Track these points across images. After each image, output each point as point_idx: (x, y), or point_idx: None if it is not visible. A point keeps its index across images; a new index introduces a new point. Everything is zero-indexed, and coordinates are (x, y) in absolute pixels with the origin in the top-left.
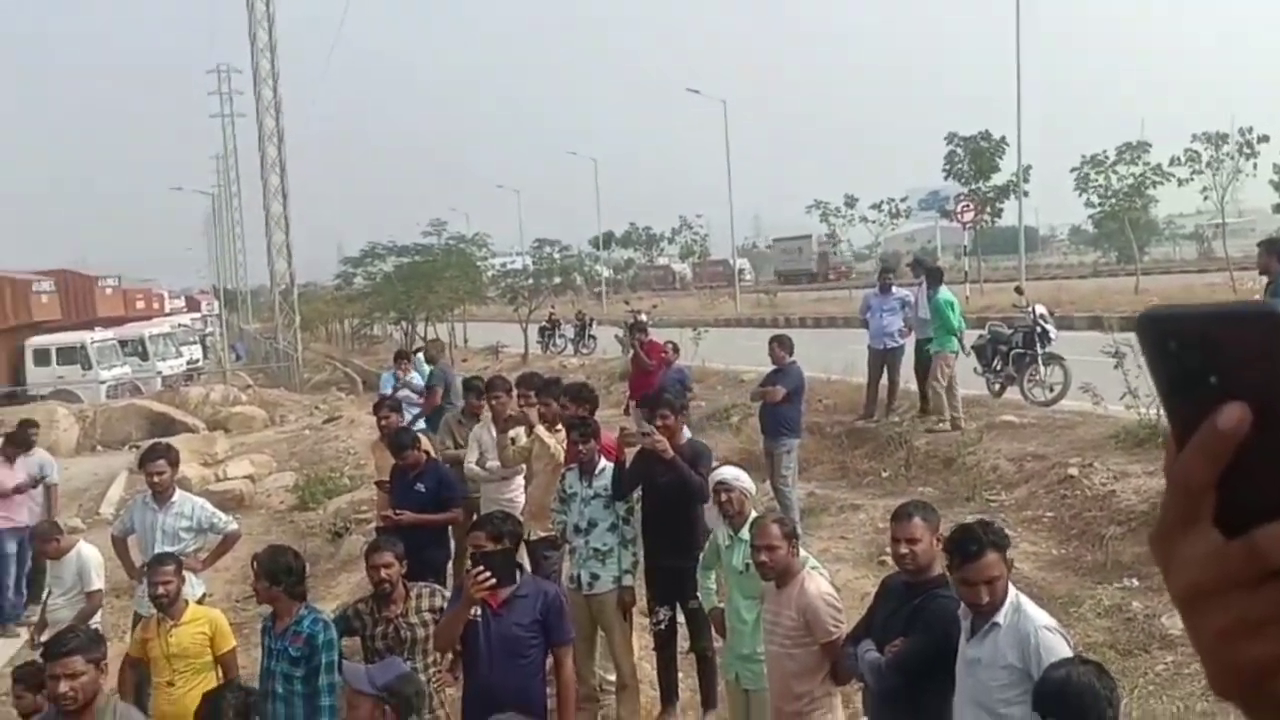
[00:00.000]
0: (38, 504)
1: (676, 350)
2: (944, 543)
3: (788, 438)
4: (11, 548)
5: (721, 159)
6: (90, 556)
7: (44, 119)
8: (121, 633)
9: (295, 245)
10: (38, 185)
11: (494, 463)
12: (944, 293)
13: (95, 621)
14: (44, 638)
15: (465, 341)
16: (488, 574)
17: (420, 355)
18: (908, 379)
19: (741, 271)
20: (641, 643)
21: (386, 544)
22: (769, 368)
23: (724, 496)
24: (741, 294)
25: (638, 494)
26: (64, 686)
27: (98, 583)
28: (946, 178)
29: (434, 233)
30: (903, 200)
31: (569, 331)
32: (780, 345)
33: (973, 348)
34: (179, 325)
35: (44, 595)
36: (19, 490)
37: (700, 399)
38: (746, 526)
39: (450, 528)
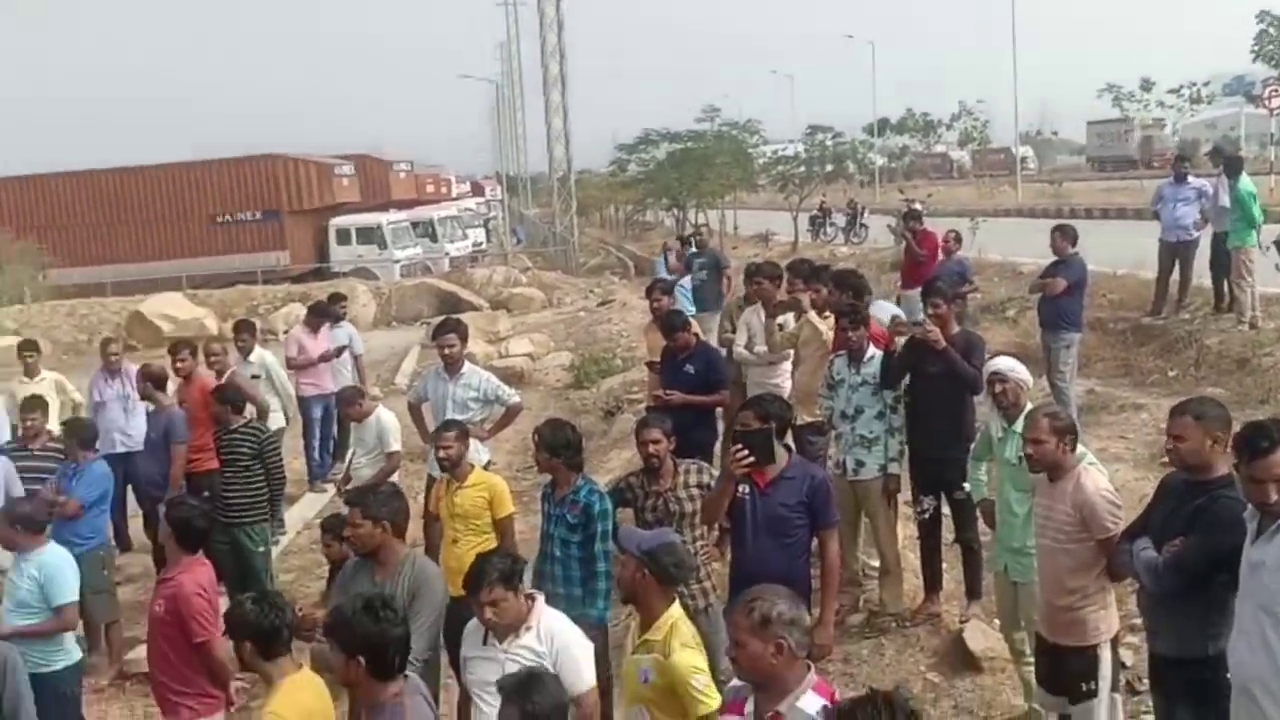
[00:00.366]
0: (348, 370)
1: (959, 239)
2: (1234, 439)
3: (1067, 332)
4: (317, 413)
5: (1006, 42)
6: (388, 421)
7: (349, 12)
8: (415, 494)
9: (572, 132)
10: (337, 71)
11: (761, 347)
12: (1244, 183)
13: (394, 480)
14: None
15: (735, 229)
16: (746, 452)
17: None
18: (1201, 274)
19: (1024, 160)
20: (906, 531)
21: (655, 421)
22: (1050, 259)
23: (999, 387)
24: (1024, 183)
25: (906, 382)
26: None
27: (395, 445)
28: (1254, 60)
29: (707, 119)
30: (1204, 84)
31: (840, 220)
32: (1063, 235)
33: (1274, 243)
34: (465, 209)
35: (348, 455)
36: (324, 359)
37: (977, 290)
38: (1021, 419)
39: (718, 409)
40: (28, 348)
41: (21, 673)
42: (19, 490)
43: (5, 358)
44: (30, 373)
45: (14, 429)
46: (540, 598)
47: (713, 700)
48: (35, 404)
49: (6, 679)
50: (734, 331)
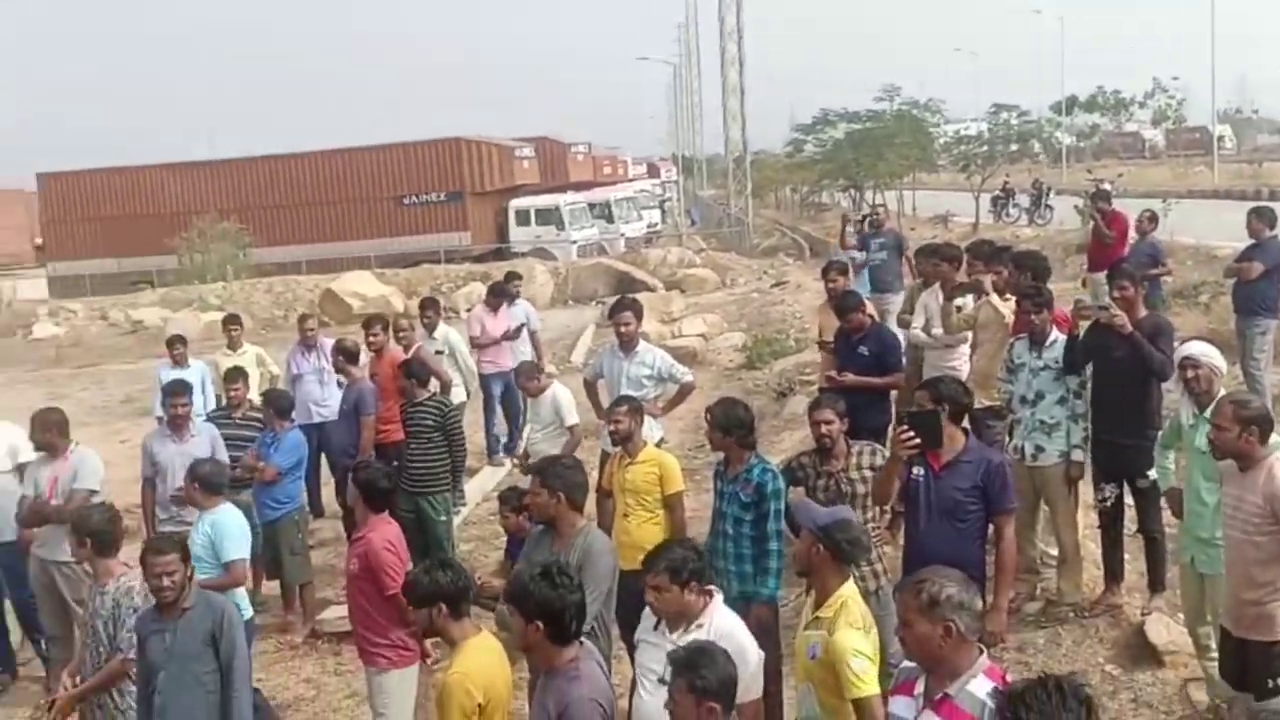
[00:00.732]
0: (526, 348)
1: (1154, 219)
2: None
3: (1263, 318)
4: (497, 390)
5: (1204, 15)
6: (564, 396)
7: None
8: (589, 469)
9: (749, 113)
10: (517, 54)
11: (938, 330)
12: None
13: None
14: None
15: (913, 210)
16: (911, 433)
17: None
18: None
19: (1221, 139)
20: (1086, 520)
21: (828, 401)
22: (1246, 242)
23: (1190, 373)
24: (1221, 163)
25: (1090, 368)
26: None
27: (573, 418)
28: None
29: (886, 98)
30: None
31: (1024, 201)
32: (1259, 218)
33: None
34: (640, 190)
35: (525, 430)
36: (506, 337)
37: (1169, 273)
38: (1213, 406)
39: (893, 392)
40: (232, 322)
41: (239, 627)
42: (223, 453)
43: (210, 332)
44: (234, 345)
45: (218, 398)
46: (718, 597)
47: (866, 686)
48: (237, 375)
49: (224, 631)
50: (911, 313)
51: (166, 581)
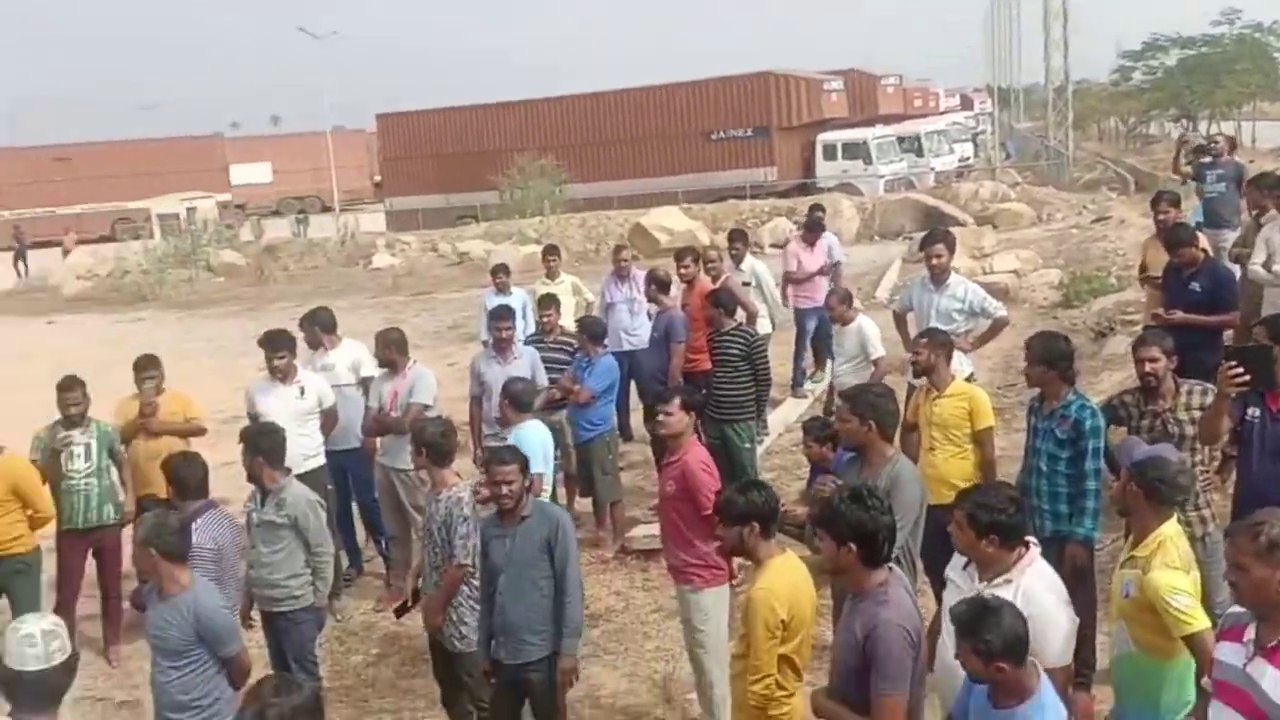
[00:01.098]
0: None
1: None
2: None
3: None
4: (811, 324)
5: None
6: (870, 329)
7: None
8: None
9: (1072, 40)
10: None
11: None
12: None
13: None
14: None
15: (1252, 141)
16: (1239, 368)
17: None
18: None
19: None
20: None
21: (1154, 339)
22: None
23: None
24: None
25: None
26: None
27: (878, 350)
28: None
29: (1225, 22)
30: None
31: None
32: None
33: None
34: (952, 123)
35: (829, 362)
36: (821, 273)
37: None
38: None
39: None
40: (551, 252)
41: (572, 536)
42: (543, 375)
43: (529, 263)
44: (552, 275)
45: (537, 324)
46: (1034, 552)
47: (1196, 621)
48: (549, 302)
49: (559, 539)
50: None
51: (505, 490)
